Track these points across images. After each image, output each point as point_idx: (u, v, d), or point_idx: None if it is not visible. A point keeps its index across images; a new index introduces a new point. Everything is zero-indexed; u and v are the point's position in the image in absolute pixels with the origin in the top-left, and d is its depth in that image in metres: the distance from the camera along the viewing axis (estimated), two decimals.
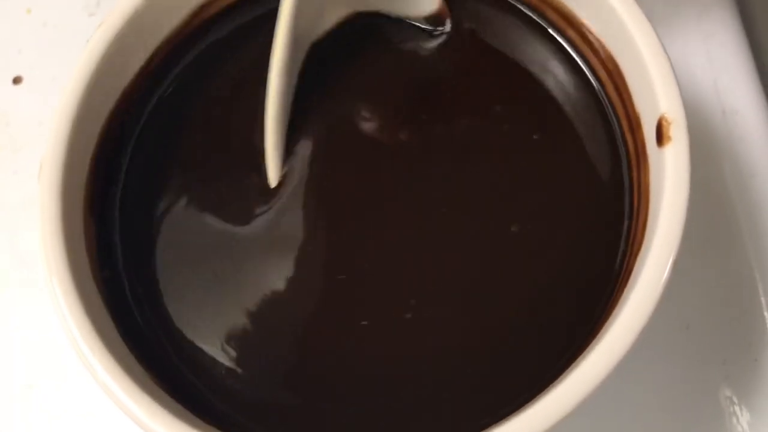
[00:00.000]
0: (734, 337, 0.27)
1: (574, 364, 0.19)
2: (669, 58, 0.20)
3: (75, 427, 0.28)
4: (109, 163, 0.24)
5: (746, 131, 0.29)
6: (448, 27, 0.25)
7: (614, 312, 0.20)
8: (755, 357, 0.26)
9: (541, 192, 0.24)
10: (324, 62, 0.25)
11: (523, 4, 0.25)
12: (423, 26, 0.25)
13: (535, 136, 0.24)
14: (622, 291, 0.20)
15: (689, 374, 0.26)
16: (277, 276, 0.23)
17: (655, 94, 0.20)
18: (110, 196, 0.24)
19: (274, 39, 0.22)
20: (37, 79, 0.32)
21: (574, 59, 0.24)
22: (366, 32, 0.25)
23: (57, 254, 0.21)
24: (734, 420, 0.26)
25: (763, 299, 0.27)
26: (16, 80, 0.32)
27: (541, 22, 0.25)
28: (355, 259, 0.23)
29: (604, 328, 0.19)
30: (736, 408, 0.26)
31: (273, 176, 0.24)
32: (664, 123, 0.20)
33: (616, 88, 0.23)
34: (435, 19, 0.25)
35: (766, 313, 0.27)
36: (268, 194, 0.24)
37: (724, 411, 0.26)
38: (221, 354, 0.22)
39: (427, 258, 0.23)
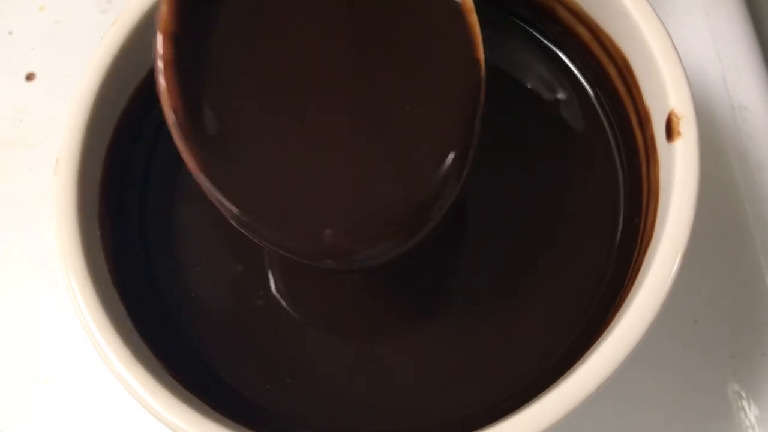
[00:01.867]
0: (742, 331, 0.27)
1: (583, 358, 0.19)
2: (678, 54, 0.21)
3: (89, 420, 0.28)
4: (124, 159, 0.24)
5: (754, 126, 0.29)
6: None
7: (623, 306, 0.20)
8: (763, 351, 0.26)
9: (552, 189, 0.24)
10: None
11: None
12: None
13: (544, 132, 0.24)
14: (632, 286, 0.20)
15: (697, 369, 0.26)
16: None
17: (664, 89, 0.20)
18: (126, 191, 0.24)
19: None
20: (50, 76, 0.33)
21: (583, 56, 0.24)
22: None
23: (73, 248, 0.21)
24: (742, 414, 0.26)
25: None
26: (30, 77, 0.33)
27: (551, 19, 0.25)
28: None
29: (613, 322, 0.20)
30: (744, 403, 0.26)
31: None
32: (673, 118, 0.20)
33: (626, 84, 0.23)
34: None
35: None
36: None
37: (732, 406, 0.26)
38: (233, 346, 0.23)
39: None
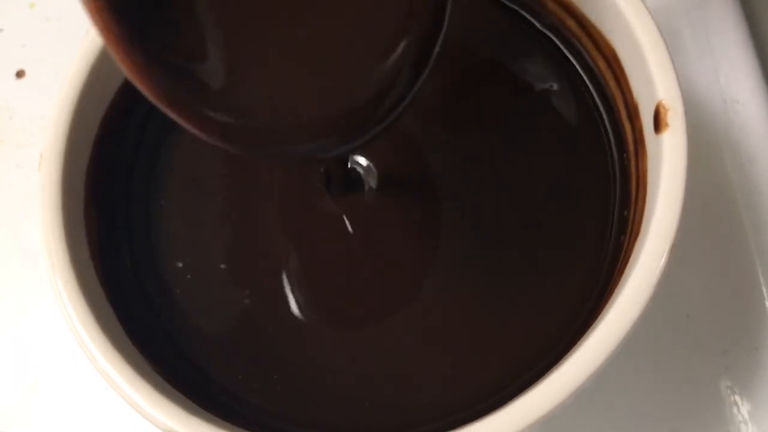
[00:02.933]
0: (735, 326, 0.27)
1: (570, 351, 0.19)
2: (667, 46, 0.20)
3: (78, 420, 0.28)
4: (110, 155, 0.24)
5: (746, 120, 0.28)
6: None
7: (611, 300, 0.20)
8: (756, 346, 0.26)
9: (544, 180, 0.24)
10: None
11: None
12: None
13: (533, 126, 0.24)
14: (620, 278, 0.20)
15: (690, 364, 0.26)
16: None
17: (652, 81, 0.20)
18: (112, 187, 0.24)
19: None
20: (40, 73, 0.33)
21: (573, 48, 0.24)
22: None
23: (58, 245, 0.21)
24: (735, 409, 0.26)
25: (763, 288, 0.27)
26: (20, 74, 0.33)
27: (541, 12, 0.25)
28: None
29: (600, 316, 0.20)
30: (737, 397, 0.26)
31: None
32: (661, 110, 0.20)
33: (615, 77, 0.23)
34: None
35: (766, 303, 0.27)
36: None
37: (725, 401, 0.26)
38: (221, 344, 0.23)
39: None
